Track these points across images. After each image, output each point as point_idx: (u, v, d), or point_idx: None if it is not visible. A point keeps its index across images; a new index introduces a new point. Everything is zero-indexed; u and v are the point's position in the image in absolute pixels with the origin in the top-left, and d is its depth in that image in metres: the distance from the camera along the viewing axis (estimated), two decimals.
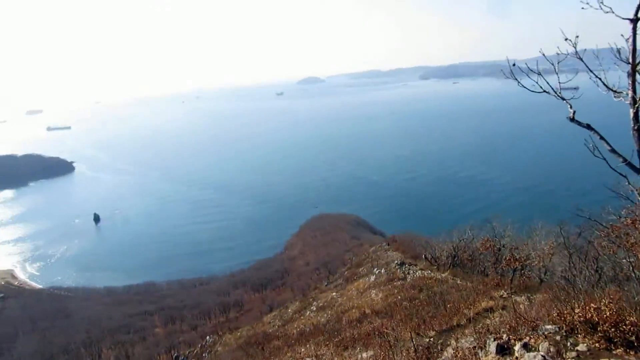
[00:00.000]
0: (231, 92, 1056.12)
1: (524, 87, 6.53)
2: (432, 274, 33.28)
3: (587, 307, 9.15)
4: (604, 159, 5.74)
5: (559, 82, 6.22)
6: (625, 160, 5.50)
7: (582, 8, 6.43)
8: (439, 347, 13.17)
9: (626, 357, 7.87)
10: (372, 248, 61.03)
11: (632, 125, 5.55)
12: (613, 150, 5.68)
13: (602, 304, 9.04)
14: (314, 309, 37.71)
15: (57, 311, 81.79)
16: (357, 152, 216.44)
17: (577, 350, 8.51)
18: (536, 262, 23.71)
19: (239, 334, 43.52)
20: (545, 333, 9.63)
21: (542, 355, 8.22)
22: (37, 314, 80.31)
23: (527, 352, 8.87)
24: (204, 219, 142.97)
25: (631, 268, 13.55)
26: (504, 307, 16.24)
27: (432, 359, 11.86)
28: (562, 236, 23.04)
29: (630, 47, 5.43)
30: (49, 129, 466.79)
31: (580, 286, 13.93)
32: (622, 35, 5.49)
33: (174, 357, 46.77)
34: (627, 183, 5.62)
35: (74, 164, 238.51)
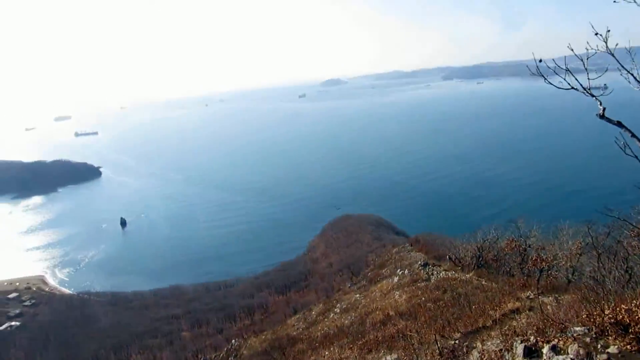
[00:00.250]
0: (254, 93, 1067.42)
1: (551, 84, 6.43)
2: (457, 275, 32.85)
3: (617, 309, 8.94)
4: (636, 157, 5.61)
5: (588, 79, 6.11)
6: None
7: (614, 1, 6.26)
8: (465, 350, 13.02)
9: None
10: (395, 249, 60.59)
11: None
12: None
13: (633, 305, 8.83)
14: (338, 311, 37.67)
15: (87, 316, 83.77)
16: (380, 153, 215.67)
17: (607, 353, 8.33)
18: (563, 262, 23.22)
19: (263, 337, 43.72)
20: (575, 335, 9.44)
21: (571, 358, 8.06)
22: (68, 319, 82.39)
23: (556, 354, 8.72)
24: (228, 221, 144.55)
25: None
26: (530, 309, 15.96)
27: None
28: (590, 236, 22.54)
29: None
30: (76, 134, 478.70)
31: (610, 287, 13.61)
32: None
33: None
34: None
35: (101, 169, 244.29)
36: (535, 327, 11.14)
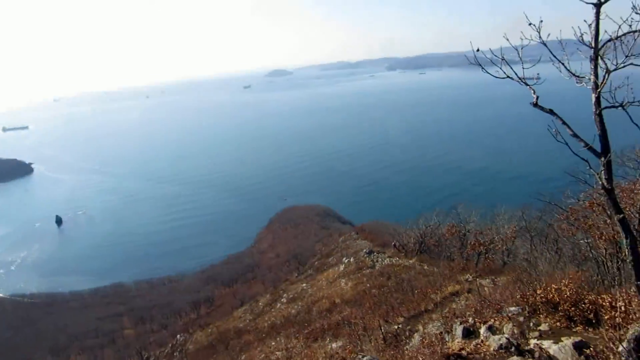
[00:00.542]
0: (197, 84, 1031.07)
1: (488, 72, 6.52)
2: (400, 261, 33.69)
3: (548, 288, 9.36)
4: (567, 144, 5.79)
5: (523, 68, 6.25)
6: (586, 144, 5.58)
7: None
8: (407, 334, 13.27)
9: (585, 334, 8.08)
10: (341, 238, 61.30)
11: (594, 109, 5.61)
12: (575, 135, 5.76)
13: (562, 284, 9.26)
14: (285, 301, 37.65)
15: (21, 320, 78.57)
16: (327, 144, 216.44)
17: (539, 330, 8.70)
18: (499, 246, 24.32)
19: (209, 330, 43.06)
20: (510, 315, 9.80)
21: (506, 337, 8.33)
22: (0, 324, 77.37)
23: (492, 334, 8.99)
24: (173, 216, 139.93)
25: (589, 249, 14.02)
26: (469, 291, 16.54)
27: (400, 346, 11.93)
28: (524, 220, 23.72)
29: (593, 32, 5.48)
30: (4, 129, 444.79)
31: (542, 268, 14.29)
32: (585, 21, 5.51)
33: (144, 358, 45.93)
34: (588, 167, 5.68)
35: (33, 165, 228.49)
36: (473, 309, 11.51)
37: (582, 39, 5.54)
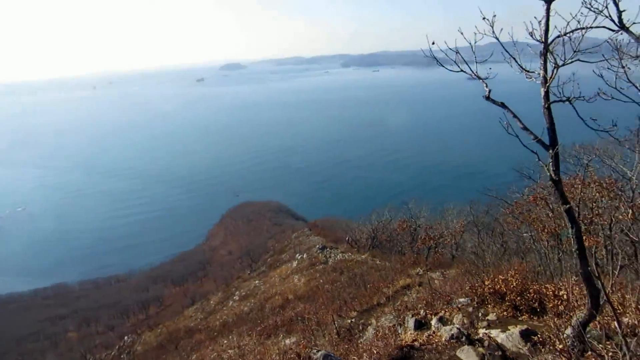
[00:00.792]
0: (147, 75, 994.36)
1: (443, 65, 6.61)
2: (353, 256, 34.01)
3: (495, 279, 9.68)
4: (517, 137, 5.96)
5: (476, 62, 6.37)
6: (535, 137, 5.78)
7: None
8: (361, 327, 13.36)
9: (531, 322, 8.39)
10: (294, 234, 61.22)
11: (543, 103, 5.80)
12: (525, 128, 5.95)
13: (508, 275, 9.59)
14: (237, 298, 37.13)
15: None
16: (282, 140, 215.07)
17: (487, 320, 8.97)
18: (449, 240, 25.05)
19: (159, 330, 41.84)
20: (459, 306, 10.06)
21: (457, 328, 8.52)
22: None
23: (443, 325, 9.19)
24: (121, 212, 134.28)
25: (532, 241, 14.65)
26: (420, 284, 16.87)
27: (354, 339, 11.98)
28: (472, 215, 24.49)
29: (543, 28, 5.64)
30: None
31: (489, 260, 14.79)
32: (535, 17, 5.66)
33: None
34: (537, 160, 5.88)
35: None
36: (424, 301, 11.73)
37: (533, 34, 5.71)
